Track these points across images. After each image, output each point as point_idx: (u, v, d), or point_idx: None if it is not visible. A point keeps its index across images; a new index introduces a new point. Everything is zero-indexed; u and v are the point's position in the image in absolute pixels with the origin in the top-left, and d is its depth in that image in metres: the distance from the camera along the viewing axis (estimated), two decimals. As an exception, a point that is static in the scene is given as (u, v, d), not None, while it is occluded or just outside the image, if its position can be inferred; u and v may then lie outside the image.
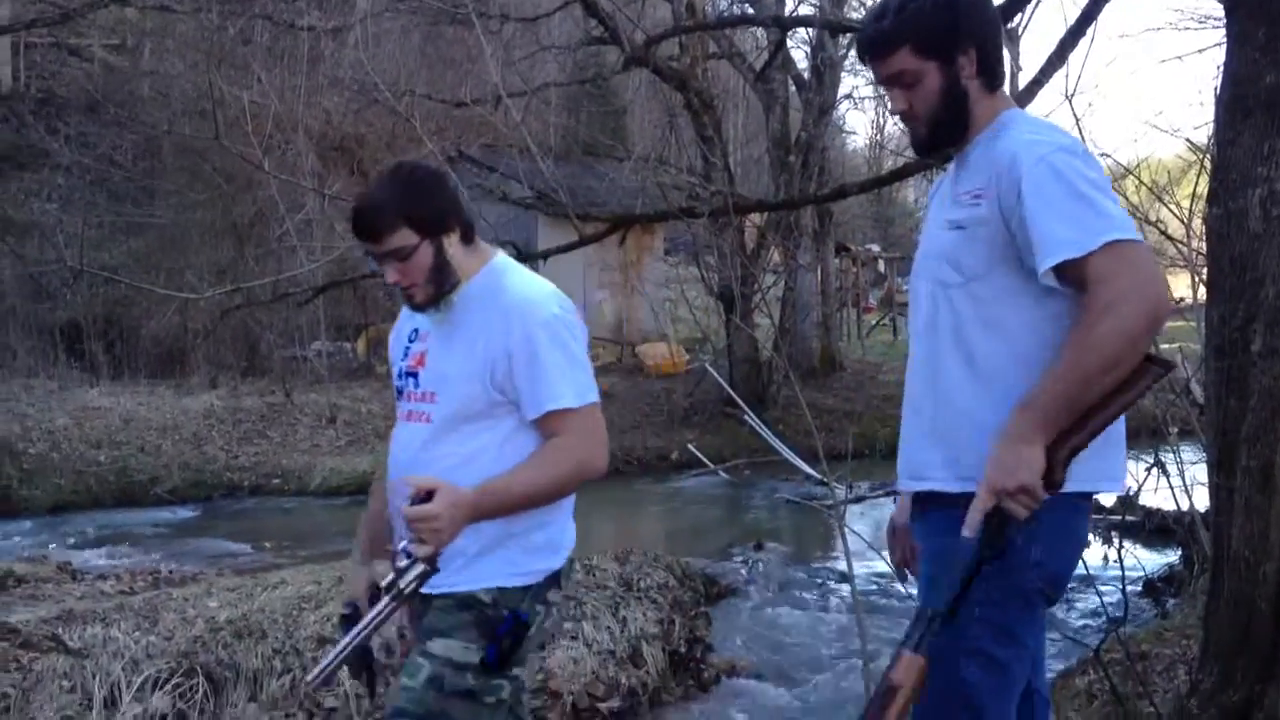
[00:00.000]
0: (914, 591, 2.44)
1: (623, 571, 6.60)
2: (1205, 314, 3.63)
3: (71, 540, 10.59)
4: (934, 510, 2.22)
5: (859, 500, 6.80)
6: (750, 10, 16.80)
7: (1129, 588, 4.65)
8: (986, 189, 2.10)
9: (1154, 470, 5.01)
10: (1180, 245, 6.02)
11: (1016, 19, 6.75)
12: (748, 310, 14.85)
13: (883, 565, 5.91)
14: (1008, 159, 2.07)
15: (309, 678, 2.27)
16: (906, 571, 2.49)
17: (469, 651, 2.34)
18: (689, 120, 15.08)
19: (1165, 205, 6.57)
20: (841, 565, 6.99)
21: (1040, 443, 1.95)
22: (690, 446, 7.97)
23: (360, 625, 2.23)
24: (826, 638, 6.67)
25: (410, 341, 2.54)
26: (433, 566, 2.21)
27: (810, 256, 17.27)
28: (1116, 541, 4.79)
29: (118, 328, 18.04)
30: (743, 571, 8.18)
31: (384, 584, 2.22)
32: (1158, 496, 6.16)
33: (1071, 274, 1.98)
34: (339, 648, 2.23)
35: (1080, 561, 2.26)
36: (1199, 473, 4.87)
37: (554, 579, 2.45)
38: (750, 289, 14.66)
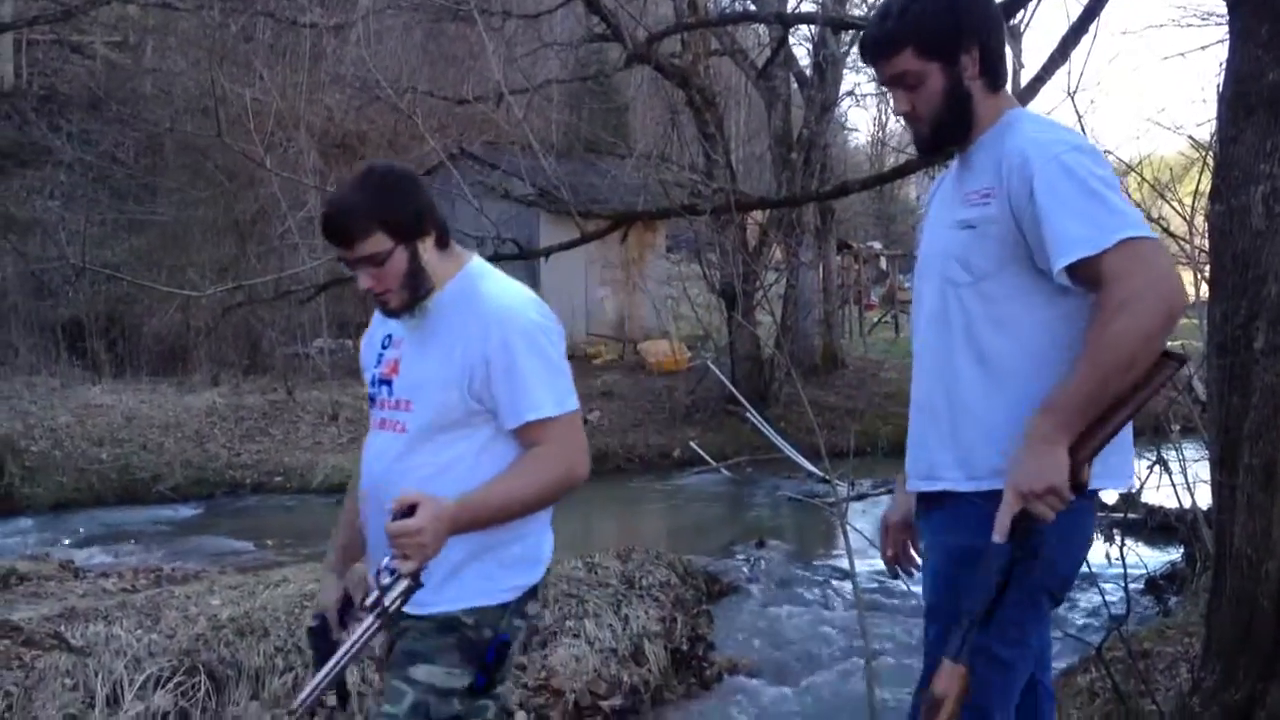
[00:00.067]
0: (916, 590, 2.44)
1: (625, 569, 6.61)
2: (1208, 311, 3.62)
3: (74, 538, 10.60)
4: (938, 510, 2.22)
5: (861, 498, 6.82)
6: (752, 7, 16.80)
7: (1131, 585, 4.64)
8: (996, 188, 2.10)
9: (1156, 468, 5.00)
10: (1182, 243, 6.01)
11: (1018, 16, 6.74)
12: (750, 308, 14.85)
13: (885, 563, 5.90)
14: (1018, 158, 2.07)
15: (294, 704, 2.19)
16: (898, 568, 2.49)
17: (453, 677, 2.29)
18: (691, 117, 15.06)
19: (1167, 202, 6.55)
20: (844, 563, 6.99)
21: (1064, 443, 1.95)
22: (692, 444, 7.99)
23: (346, 646, 2.17)
24: (829, 636, 6.67)
25: (383, 348, 2.47)
26: (417, 582, 2.15)
27: (812, 254, 17.25)
28: (1119, 539, 4.77)
29: (120, 325, 18.06)
30: (745, 569, 8.17)
31: (368, 602, 2.16)
32: (1160, 494, 6.15)
33: (1085, 272, 1.98)
34: (326, 670, 2.17)
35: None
36: (1201, 470, 4.86)
37: (532, 592, 2.40)
38: (752, 286, 14.67)
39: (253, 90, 13.89)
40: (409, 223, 2.29)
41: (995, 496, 2.06)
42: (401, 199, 2.30)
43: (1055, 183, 2.01)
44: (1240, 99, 3.48)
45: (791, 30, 16.23)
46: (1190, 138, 7.24)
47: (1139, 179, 6.86)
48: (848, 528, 4.17)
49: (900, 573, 2.50)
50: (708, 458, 6.19)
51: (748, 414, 5.13)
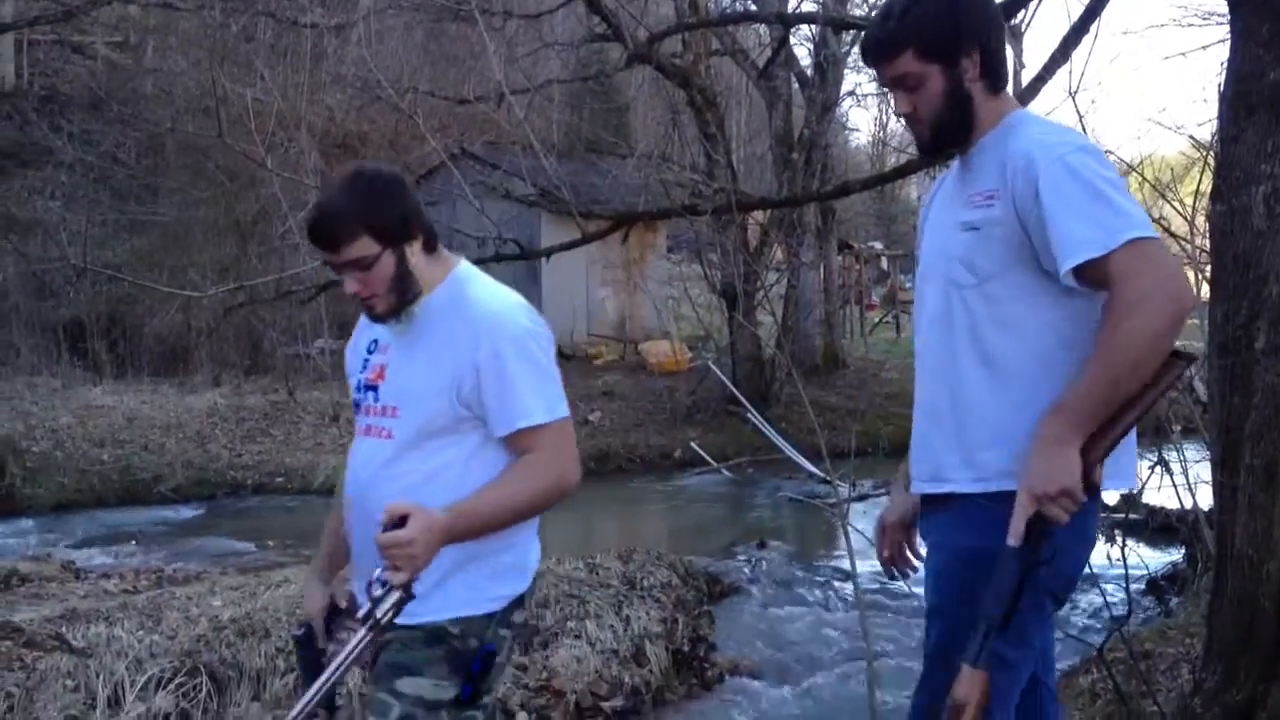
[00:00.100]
0: (918, 591, 2.43)
1: (626, 570, 6.61)
2: (1209, 311, 3.62)
3: (75, 539, 10.60)
4: (942, 511, 2.21)
5: (862, 498, 6.80)
6: (753, 7, 16.80)
7: (1132, 586, 4.65)
8: (1000, 189, 2.10)
9: (1157, 468, 5.01)
10: (1183, 243, 6.01)
11: (1019, 16, 6.74)
12: (751, 308, 14.85)
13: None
14: (1023, 159, 2.07)
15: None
16: (894, 569, 2.49)
17: (440, 689, 2.25)
18: (692, 117, 15.06)
19: (1168, 202, 6.55)
20: (845, 564, 6.98)
21: (1076, 445, 1.96)
22: (693, 444, 7.99)
23: (339, 661, 2.14)
24: (830, 636, 6.67)
25: (369, 353, 2.42)
26: (409, 594, 2.12)
27: (813, 254, 17.26)
28: (1120, 540, 4.78)
29: (121, 326, 18.06)
30: (746, 570, 8.17)
31: (359, 615, 2.13)
32: (1161, 495, 6.16)
33: (1092, 273, 1.98)
34: (317, 685, 2.13)
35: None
36: (1202, 471, 4.86)
37: (518, 601, 2.36)
38: (753, 286, 14.67)
39: (254, 90, 13.90)
40: (396, 226, 2.25)
41: (1002, 497, 2.06)
42: (388, 202, 2.25)
43: (1061, 184, 2.01)
44: (1241, 98, 3.47)
45: (792, 30, 16.24)
46: (1191, 138, 7.25)
47: (1140, 179, 6.85)
48: (849, 528, 4.17)
49: (896, 574, 2.50)
50: (709, 458, 6.20)
51: (749, 414, 5.14)
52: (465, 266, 2.40)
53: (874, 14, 2.37)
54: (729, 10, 18.53)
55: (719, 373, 7.73)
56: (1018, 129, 2.16)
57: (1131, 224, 1.97)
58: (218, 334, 16.90)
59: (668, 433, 14.74)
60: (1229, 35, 3.66)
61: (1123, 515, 6.71)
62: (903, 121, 2.30)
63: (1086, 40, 5.06)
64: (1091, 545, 2.25)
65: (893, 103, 2.27)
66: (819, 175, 15.76)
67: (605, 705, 5.30)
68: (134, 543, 10.33)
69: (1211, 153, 4.98)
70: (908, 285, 23.19)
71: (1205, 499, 4.81)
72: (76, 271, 15.58)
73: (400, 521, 2.09)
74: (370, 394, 2.38)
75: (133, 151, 20.68)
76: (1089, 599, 6.50)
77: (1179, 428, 5.75)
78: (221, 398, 15.22)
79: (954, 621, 2.16)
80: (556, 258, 7.12)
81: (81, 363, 17.39)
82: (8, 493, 12.16)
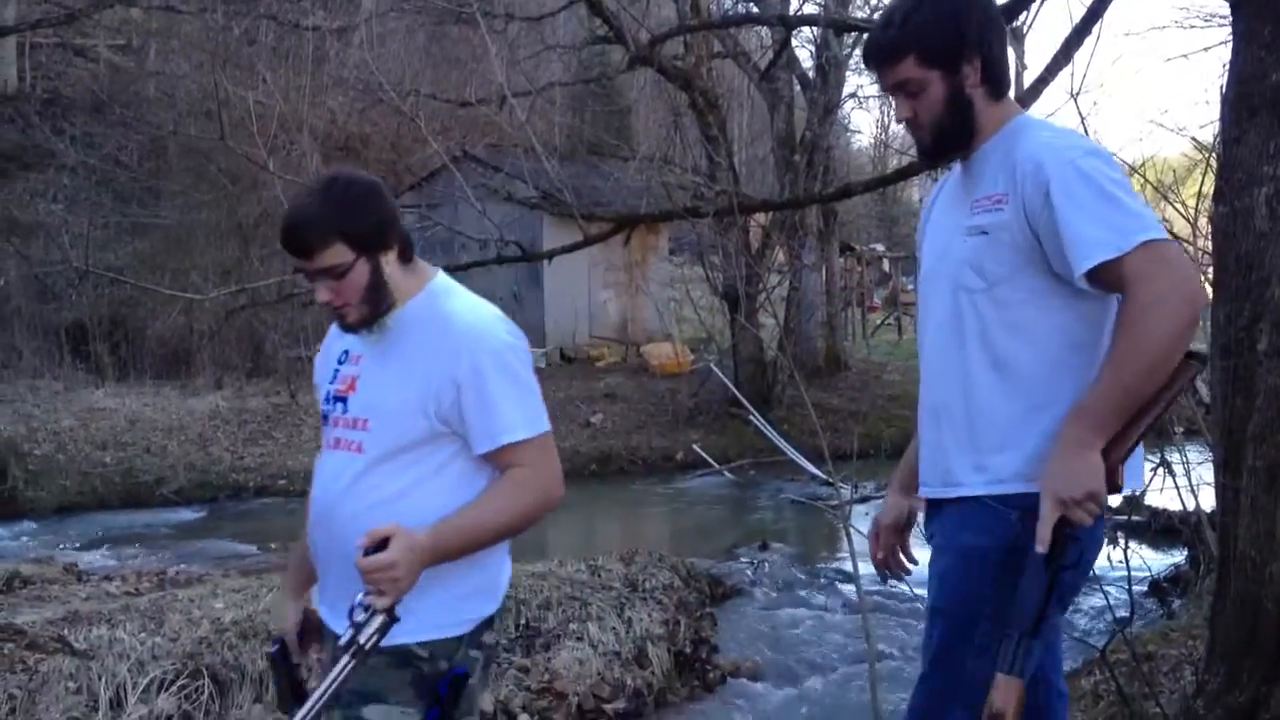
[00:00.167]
0: (920, 592, 2.43)
1: (628, 572, 6.61)
2: (1211, 313, 3.61)
3: (77, 541, 10.62)
4: (949, 512, 2.21)
5: (864, 500, 6.78)
6: (755, 9, 16.79)
7: (1135, 588, 4.64)
8: (1009, 193, 2.10)
9: (1160, 470, 5.00)
10: (1186, 244, 6.00)
11: (1021, 18, 6.73)
12: (752, 310, 14.85)
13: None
14: (1032, 163, 2.07)
15: None
16: (887, 572, 2.49)
17: (407, 716, 2.19)
18: (694, 120, 15.07)
19: (1171, 204, 6.53)
20: (847, 565, 6.98)
21: (1098, 448, 1.96)
22: (695, 447, 7.98)
23: (322, 687, 2.07)
24: (832, 638, 6.68)
25: (340, 364, 2.35)
26: (393, 617, 2.06)
27: (815, 256, 17.26)
28: (1122, 542, 4.77)
29: (123, 328, 18.07)
30: (748, 572, 8.18)
31: (342, 641, 2.07)
32: (1164, 496, 6.15)
33: (1106, 276, 1.98)
34: (301, 715, 2.04)
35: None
36: (1205, 472, 4.85)
37: (488, 622, 2.29)
38: (755, 289, 14.66)
39: (256, 93, 13.89)
40: (371, 234, 2.18)
41: (1012, 499, 2.07)
42: (364, 209, 2.18)
43: (1072, 187, 2.01)
44: (1243, 100, 3.47)
45: (794, 32, 16.25)
46: (1193, 139, 7.23)
47: (1142, 181, 6.84)
48: (851, 530, 4.16)
49: (890, 577, 2.50)
50: (711, 460, 6.18)
51: (751, 416, 5.13)
52: (442, 278, 2.33)
53: (876, 18, 2.37)
54: (731, 12, 18.53)
55: (721, 375, 7.71)
56: (1023, 133, 2.16)
57: (1144, 226, 1.97)
58: (220, 337, 16.91)
59: (670, 435, 14.75)
60: (1231, 37, 3.65)
61: (1125, 517, 6.71)
62: (904, 126, 2.30)
63: (1088, 42, 5.05)
64: (1099, 547, 2.26)
65: (894, 108, 2.27)
66: (821, 177, 15.77)
67: (607, 707, 5.31)
68: (136, 545, 10.34)
69: (1213, 154, 4.98)
70: (910, 287, 23.20)
71: (1208, 501, 4.80)
72: (79, 274, 15.60)
73: (381, 544, 2.03)
74: (339, 405, 2.31)
75: (135, 154, 20.70)
76: (1091, 601, 6.49)
77: (1181, 429, 5.75)
78: (223, 400, 15.24)
79: (956, 622, 2.16)
80: (558, 260, 7.12)
81: (84, 365, 17.41)
82: (10, 495, 12.17)
